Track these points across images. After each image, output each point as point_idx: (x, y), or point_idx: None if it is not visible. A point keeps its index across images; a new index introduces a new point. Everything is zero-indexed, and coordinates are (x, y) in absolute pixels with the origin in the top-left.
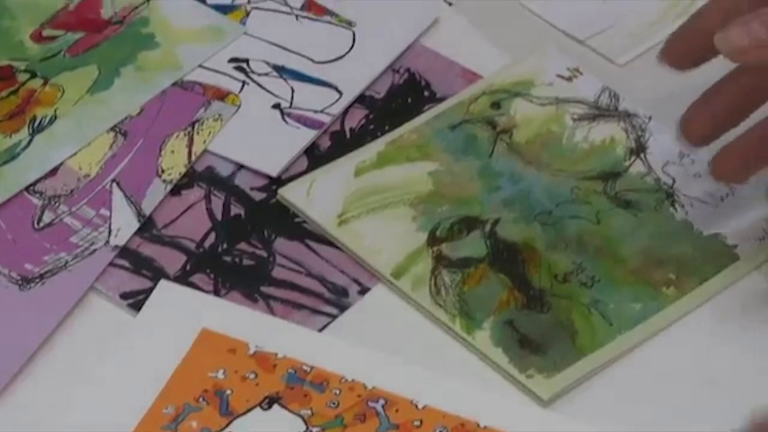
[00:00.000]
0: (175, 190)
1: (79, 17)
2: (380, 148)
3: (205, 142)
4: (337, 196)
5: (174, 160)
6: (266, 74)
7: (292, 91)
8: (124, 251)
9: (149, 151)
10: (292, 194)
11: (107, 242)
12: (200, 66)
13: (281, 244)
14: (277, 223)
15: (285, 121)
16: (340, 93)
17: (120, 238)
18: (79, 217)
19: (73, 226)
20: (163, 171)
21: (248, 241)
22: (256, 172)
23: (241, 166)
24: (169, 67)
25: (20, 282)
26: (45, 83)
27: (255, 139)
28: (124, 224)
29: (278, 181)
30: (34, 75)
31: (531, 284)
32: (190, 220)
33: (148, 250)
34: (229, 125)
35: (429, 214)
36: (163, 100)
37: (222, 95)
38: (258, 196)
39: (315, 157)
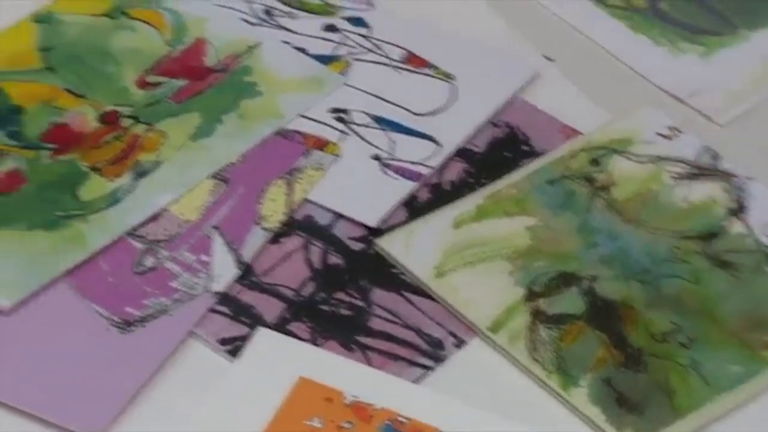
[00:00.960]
0: (274, 238)
1: (182, 64)
2: (479, 201)
3: (305, 190)
4: (434, 248)
5: (274, 208)
6: (366, 125)
7: (392, 143)
8: (223, 297)
9: (249, 199)
10: (390, 245)
11: (207, 288)
12: (301, 115)
13: (378, 294)
14: (374, 274)
15: (384, 172)
16: (440, 145)
17: (220, 284)
18: (180, 262)
19: (173, 271)
20: (262, 218)
21: (345, 291)
22: (355, 222)
23: (339, 216)
24: (270, 115)
25: (121, 325)
26: (149, 129)
27: (354, 189)
28: (224, 270)
29: (376, 232)
30: (138, 121)
31: (628, 342)
32: (288, 268)
33: (247, 296)
34: (327, 175)
35: (526, 269)
36: (264, 148)
37: (322, 145)
38: (356, 246)
39: (413, 208)
